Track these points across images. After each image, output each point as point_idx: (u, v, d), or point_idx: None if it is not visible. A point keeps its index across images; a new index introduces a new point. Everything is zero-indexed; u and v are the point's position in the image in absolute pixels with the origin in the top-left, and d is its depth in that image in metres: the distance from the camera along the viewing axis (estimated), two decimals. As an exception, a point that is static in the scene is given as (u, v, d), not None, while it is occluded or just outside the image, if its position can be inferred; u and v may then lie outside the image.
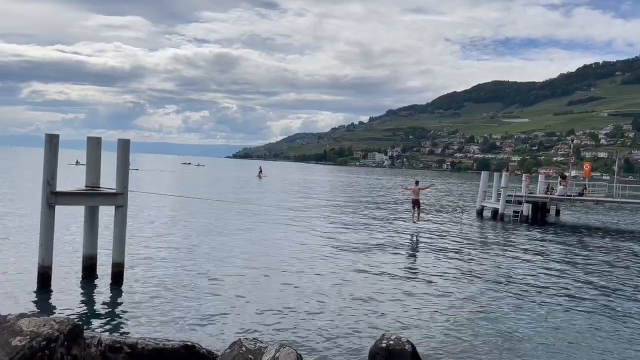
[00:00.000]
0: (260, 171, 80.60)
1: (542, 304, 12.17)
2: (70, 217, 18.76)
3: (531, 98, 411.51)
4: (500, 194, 31.48)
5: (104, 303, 10.72)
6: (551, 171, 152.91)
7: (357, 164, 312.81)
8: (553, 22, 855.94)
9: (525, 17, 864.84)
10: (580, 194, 33.89)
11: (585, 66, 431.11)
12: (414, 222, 25.87)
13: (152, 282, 12.28)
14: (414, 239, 22.11)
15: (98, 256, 12.62)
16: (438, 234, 23.86)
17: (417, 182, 27.55)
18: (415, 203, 25.91)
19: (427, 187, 31.88)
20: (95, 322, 9.45)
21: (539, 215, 33.43)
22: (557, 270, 16.48)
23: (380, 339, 6.91)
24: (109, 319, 9.78)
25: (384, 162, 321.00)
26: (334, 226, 24.40)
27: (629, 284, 14.97)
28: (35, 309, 9.84)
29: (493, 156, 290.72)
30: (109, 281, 11.86)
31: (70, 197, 11.94)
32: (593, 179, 47.79)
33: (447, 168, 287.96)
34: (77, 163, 66.34)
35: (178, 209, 28.30)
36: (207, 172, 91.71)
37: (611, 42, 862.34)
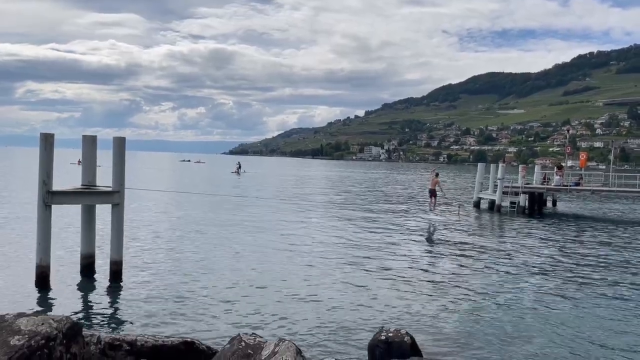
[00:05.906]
0: (239, 167, 72.53)
1: (541, 294, 12.21)
2: (68, 216, 18.70)
3: (526, 89, 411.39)
4: (497, 185, 31.52)
5: (102, 301, 10.72)
6: (547, 161, 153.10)
7: (354, 158, 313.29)
8: (550, 11, 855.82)
9: (523, 8, 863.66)
10: (577, 184, 33.96)
11: (580, 56, 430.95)
12: (431, 209, 27.01)
13: (150, 279, 12.28)
14: (412, 232, 22.12)
15: (96, 254, 12.61)
16: (436, 227, 23.85)
17: (437, 174, 27.96)
18: (432, 193, 27.08)
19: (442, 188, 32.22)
20: (94, 320, 9.46)
21: (536, 206, 33.44)
22: (555, 260, 16.53)
23: (379, 331, 6.93)
24: (107, 316, 9.79)
25: (380, 156, 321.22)
26: (332, 221, 24.41)
27: (628, 272, 15.02)
28: (33, 308, 9.84)
29: (489, 148, 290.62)
30: (108, 279, 11.86)
31: (67, 196, 11.89)
32: (589, 169, 47.86)
33: (443, 160, 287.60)
34: (79, 162, 66.04)
35: (175, 206, 28.25)
36: (201, 169, 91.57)
37: (609, 31, 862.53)
